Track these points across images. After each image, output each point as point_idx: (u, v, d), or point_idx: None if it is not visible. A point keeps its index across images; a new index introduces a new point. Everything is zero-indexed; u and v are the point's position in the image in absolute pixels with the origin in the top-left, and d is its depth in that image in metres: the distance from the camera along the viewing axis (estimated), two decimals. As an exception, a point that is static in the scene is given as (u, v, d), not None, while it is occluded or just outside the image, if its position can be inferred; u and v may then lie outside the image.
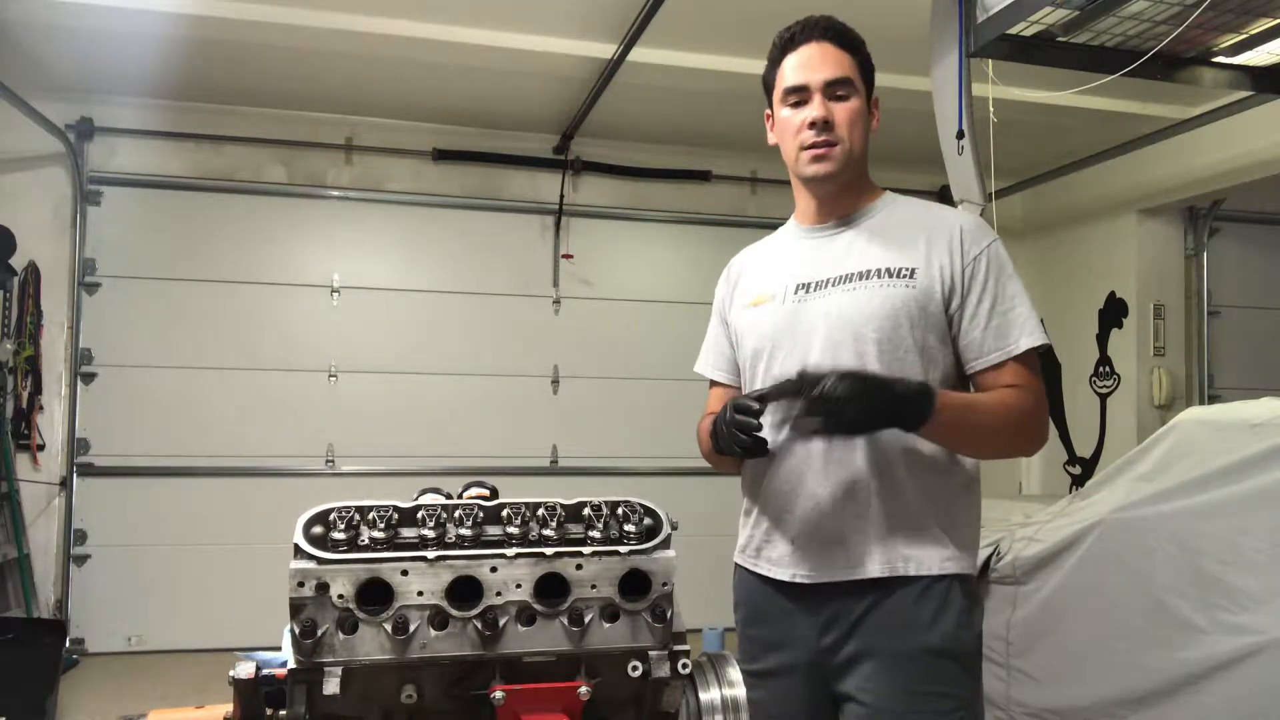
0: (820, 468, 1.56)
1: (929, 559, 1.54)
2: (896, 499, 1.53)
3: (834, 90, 1.58)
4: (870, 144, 1.67)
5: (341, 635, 0.94)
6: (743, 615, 1.72)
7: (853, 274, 1.59)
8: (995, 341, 1.54)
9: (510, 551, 0.98)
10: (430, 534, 0.99)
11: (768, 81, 1.69)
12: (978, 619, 1.59)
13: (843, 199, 1.66)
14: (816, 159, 1.59)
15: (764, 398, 1.46)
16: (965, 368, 1.59)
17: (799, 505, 1.58)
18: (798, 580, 1.58)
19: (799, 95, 1.60)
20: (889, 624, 1.53)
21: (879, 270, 1.57)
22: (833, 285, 1.60)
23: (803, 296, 1.62)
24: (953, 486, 1.58)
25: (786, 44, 1.63)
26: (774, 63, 1.65)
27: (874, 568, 1.53)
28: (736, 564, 1.73)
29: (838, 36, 1.61)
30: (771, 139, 1.72)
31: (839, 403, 1.36)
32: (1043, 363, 1.60)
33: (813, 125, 1.58)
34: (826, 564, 1.56)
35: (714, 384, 1.82)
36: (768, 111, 1.71)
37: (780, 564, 1.61)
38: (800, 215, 1.74)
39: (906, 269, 1.56)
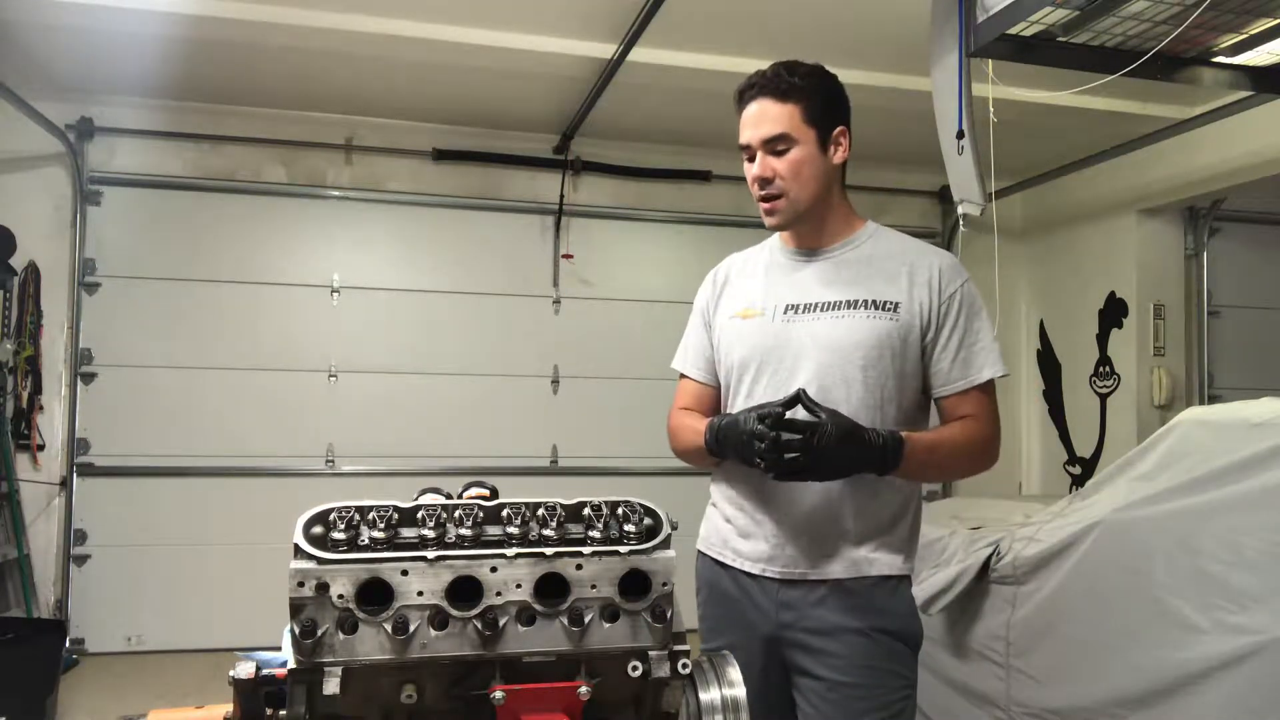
0: None
1: (888, 562, 1.71)
2: (867, 507, 1.69)
3: (772, 146, 1.70)
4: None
5: (341, 635, 0.94)
6: (704, 596, 1.85)
7: (840, 302, 1.72)
8: (961, 371, 1.71)
9: (510, 551, 0.98)
10: (430, 534, 0.99)
11: None
12: (918, 615, 1.77)
13: (823, 234, 1.78)
14: (767, 213, 1.75)
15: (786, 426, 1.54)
16: (932, 392, 1.75)
17: (778, 509, 1.71)
18: (767, 575, 1.72)
19: (746, 152, 1.75)
20: (848, 606, 1.68)
21: (866, 301, 1.71)
22: (820, 310, 1.73)
23: (790, 317, 1.74)
24: (908, 499, 1.75)
25: (738, 101, 1.76)
26: (737, 116, 1.78)
27: (840, 569, 1.68)
28: (700, 551, 1.87)
29: (776, 91, 1.70)
30: None
31: (829, 453, 1.51)
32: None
33: (755, 182, 1.73)
34: (796, 562, 1.70)
35: (685, 378, 1.93)
36: None
37: (750, 558, 1.75)
38: (787, 239, 1.85)
39: (891, 303, 1.70)
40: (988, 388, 1.72)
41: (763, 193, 1.73)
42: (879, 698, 1.65)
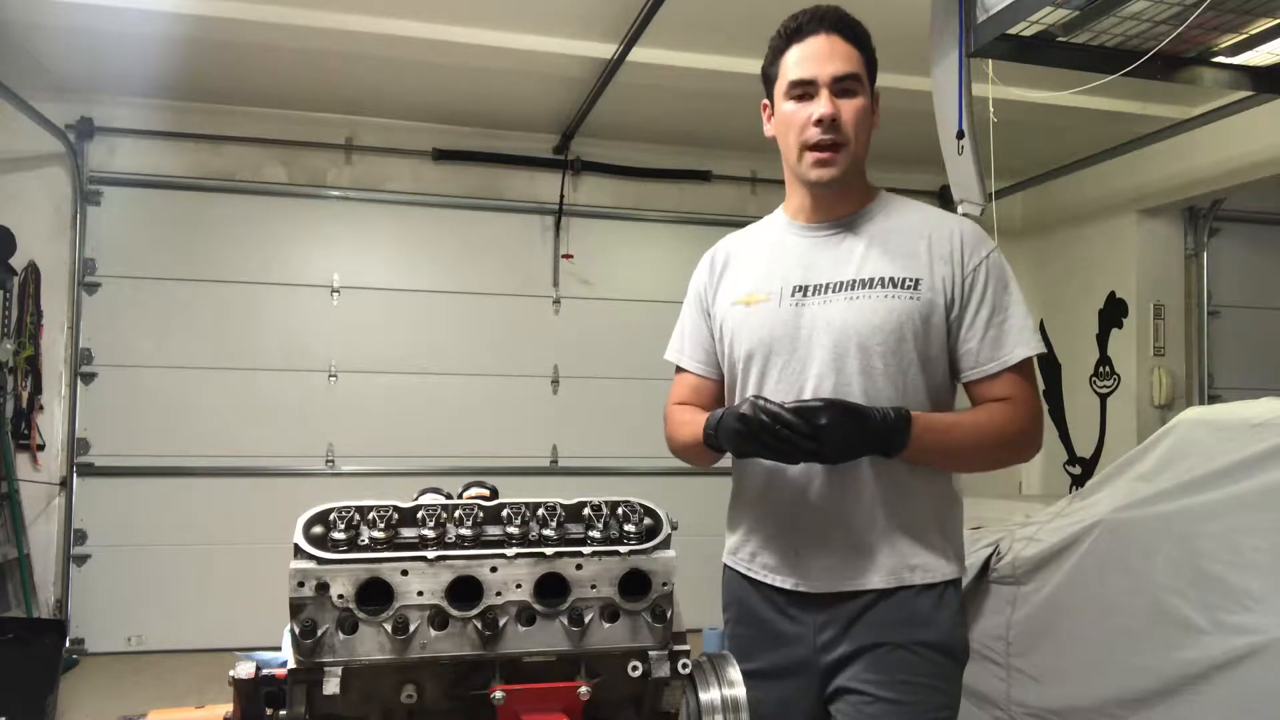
0: (825, 477, 1.54)
1: (931, 568, 1.54)
2: (901, 507, 1.54)
3: (842, 86, 1.52)
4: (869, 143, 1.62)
5: (341, 635, 0.94)
6: (733, 614, 1.70)
7: (855, 281, 1.55)
8: (991, 352, 1.54)
9: (510, 551, 0.98)
10: (430, 534, 0.99)
11: (768, 73, 1.61)
12: (965, 625, 1.61)
13: (841, 200, 1.61)
14: (821, 163, 1.53)
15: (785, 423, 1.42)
16: (960, 376, 1.58)
17: (804, 514, 1.56)
18: (800, 589, 1.57)
19: (804, 89, 1.53)
20: (889, 620, 1.53)
21: (882, 279, 1.54)
22: (833, 291, 1.56)
23: (800, 300, 1.58)
24: (945, 493, 1.59)
25: (792, 34, 1.55)
26: (777, 53, 1.58)
27: (880, 579, 1.53)
28: (726, 565, 1.72)
29: (847, 30, 1.54)
30: (769, 130, 1.64)
31: (828, 435, 1.37)
32: (1043, 364, 1.61)
33: (819, 123, 1.51)
34: (831, 574, 1.55)
35: (681, 371, 1.77)
36: (765, 102, 1.65)
37: (779, 571, 1.59)
38: (794, 211, 1.68)
39: (910, 280, 1.53)
40: (1023, 368, 1.53)
41: (827, 136, 1.51)
42: (917, 715, 1.50)
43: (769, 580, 1.60)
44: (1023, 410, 1.53)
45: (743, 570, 1.66)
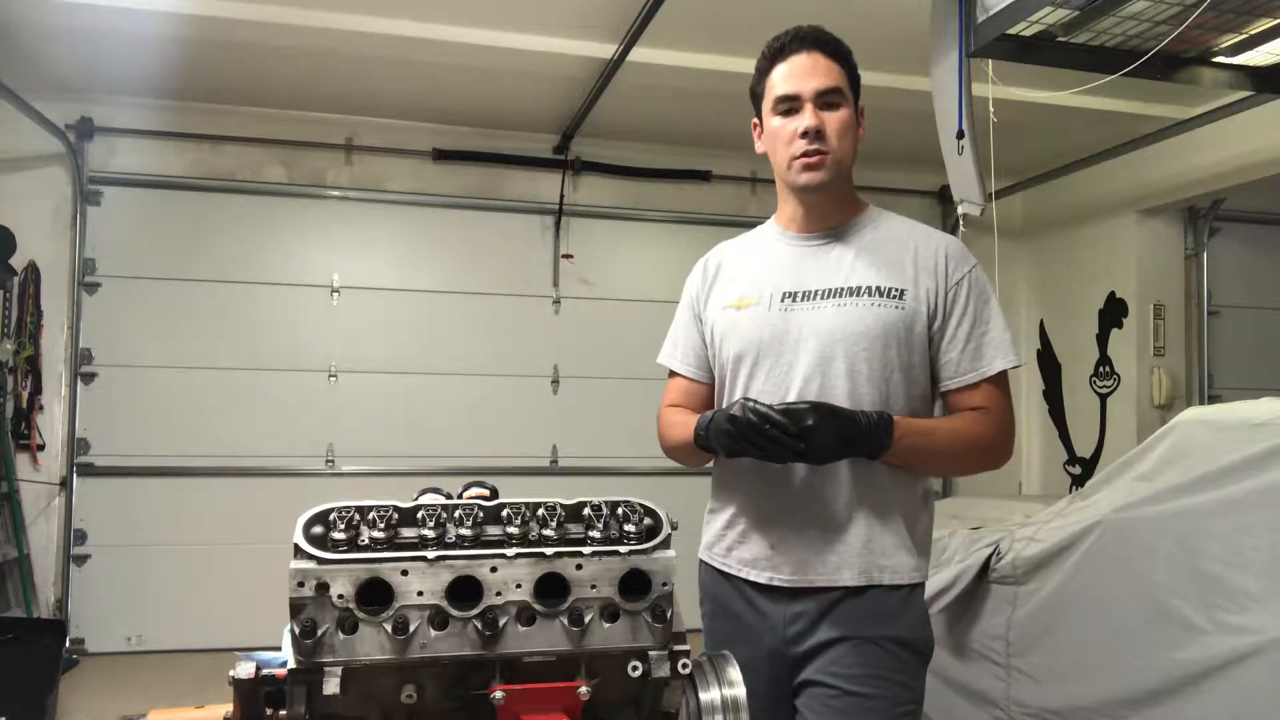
0: (806, 477, 1.60)
1: (900, 569, 1.61)
2: (878, 508, 1.61)
3: (825, 99, 1.61)
4: (858, 152, 1.69)
5: (341, 635, 0.94)
6: (708, 609, 1.77)
7: (843, 289, 1.63)
8: (970, 363, 1.62)
9: (510, 551, 0.98)
10: (430, 534, 0.99)
11: (756, 91, 1.71)
12: (930, 623, 1.67)
13: (830, 210, 1.69)
14: (808, 167, 1.62)
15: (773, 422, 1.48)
16: (939, 385, 1.66)
17: (782, 512, 1.62)
18: (775, 584, 1.63)
19: (789, 104, 1.62)
20: (858, 615, 1.59)
21: (869, 288, 1.62)
22: (822, 298, 1.63)
23: (789, 305, 1.65)
24: (918, 497, 1.66)
25: (776, 54, 1.65)
26: (762, 73, 1.68)
27: (851, 576, 1.59)
28: (702, 560, 1.78)
29: (827, 47, 1.63)
30: (759, 147, 1.74)
31: (814, 436, 1.45)
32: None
33: (804, 134, 1.60)
34: (805, 569, 1.61)
35: (674, 374, 1.84)
36: (755, 120, 1.74)
37: (755, 565, 1.65)
38: (785, 221, 1.75)
39: (896, 290, 1.61)
40: (999, 380, 1.62)
41: (812, 146, 1.60)
42: (883, 710, 1.55)
43: (744, 574, 1.67)
44: (997, 420, 1.62)
45: (718, 565, 1.72)
